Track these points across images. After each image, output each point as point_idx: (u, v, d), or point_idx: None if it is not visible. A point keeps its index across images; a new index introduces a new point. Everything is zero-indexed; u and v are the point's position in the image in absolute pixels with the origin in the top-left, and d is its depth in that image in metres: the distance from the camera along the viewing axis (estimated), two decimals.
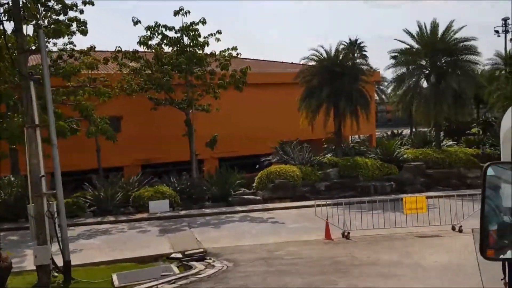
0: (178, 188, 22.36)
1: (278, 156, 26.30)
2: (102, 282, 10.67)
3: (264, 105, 31.76)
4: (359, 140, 28.16)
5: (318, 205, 15.08)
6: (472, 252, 11.10)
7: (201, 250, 13.32)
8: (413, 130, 41.24)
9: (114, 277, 10.65)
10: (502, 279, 1.98)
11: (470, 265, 9.87)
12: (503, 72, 36.31)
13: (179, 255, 13.03)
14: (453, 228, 14.79)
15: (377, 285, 8.33)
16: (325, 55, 26.20)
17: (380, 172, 25.32)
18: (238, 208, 21.05)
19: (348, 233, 14.23)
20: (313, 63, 26.29)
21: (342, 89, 25.30)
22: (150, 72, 24.37)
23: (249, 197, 22.75)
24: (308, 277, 9.11)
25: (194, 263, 11.90)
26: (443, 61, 27.46)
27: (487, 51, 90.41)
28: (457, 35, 26.80)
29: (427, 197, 22.41)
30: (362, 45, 49.36)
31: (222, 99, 29.18)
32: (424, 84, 28.18)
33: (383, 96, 54.43)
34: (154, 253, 13.30)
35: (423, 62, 28.00)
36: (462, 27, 26.71)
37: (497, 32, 46.31)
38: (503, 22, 45.67)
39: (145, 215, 20.01)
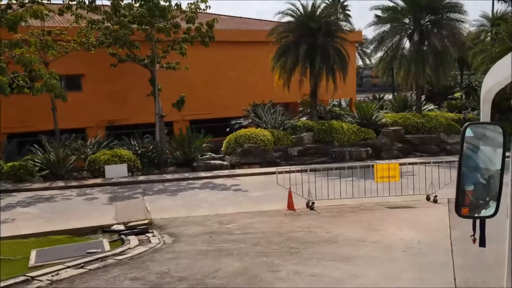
0: (139, 152, 20.73)
1: (250, 119, 24.71)
2: (21, 259, 9.17)
3: (239, 65, 29.87)
4: (335, 103, 26.58)
5: (280, 172, 13.62)
6: (444, 227, 9.84)
7: (147, 221, 11.86)
8: (395, 94, 39.86)
9: (33, 253, 9.15)
10: (471, 236, 1.99)
11: (440, 244, 8.60)
12: (489, 34, 34.84)
13: (121, 227, 11.55)
14: (428, 198, 13.55)
15: (325, 272, 6.96)
16: (301, 9, 24.20)
17: (357, 137, 23.97)
18: (202, 174, 19.57)
19: (313, 203, 12.89)
20: (289, 18, 24.32)
21: (318, 46, 23.52)
22: (109, 25, 22.18)
23: (216, 162, 21.25)
24: (249, 259, 7.72)
25: (132, 237, 10.44)
26: (427, 19, 25.71)
27: (473, 12, 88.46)
28: None
29: (403, 164, 21.29)
30: (345, 3, 46.94)
31: (193, 58, 27.19)
32: (407, 44, 26.49)
33: (367, 60, 52.70)
34: (94, 224, 11.81)
35: (406, 21, 26.21)
36: None
37: None
38: None
39: (99, 180, 18.42)
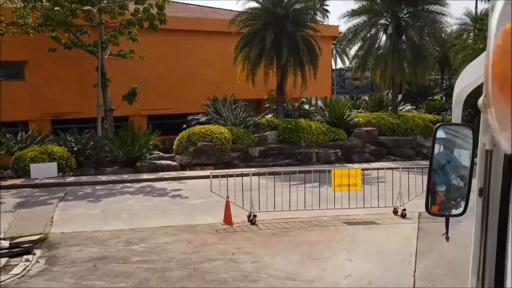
0: (75, 149, 18.08)
1: (209, 116, 22.24)
2: None
3: (203, 57, 27.38)
4: (304, 100, 24.33)
5: (215, 176, 11.19)
6: (409, 255, 7.55)
7: (38, 237, 9.30)
8: (371, 93, 37.82)
9: None
10: (443, 234, 2.06)
11: (401, 284, 6.28)
12: (471, 34, 33.01)
13: (5, 244, 8.99)
14: (395, 212, 11.30)
15: None
16: None
17: (326, 137, 21.72)
18: (144, 176, 17.04)
19: (255, 216, 10.51)
20: (253, 3, 21.92)
21: (286, 36, 21.18)
22: (48, 4, 19.48)
23: (163, 162, 18.73)
24: None
25: (4, 259, 7.90)
26: (405, 11, 23.61)
27: (456, 11, 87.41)
28: None
29: (374, 169, 19.14)
30: None
31: (151, 48, 24.64)
32: (383, 38, 24.34)
33: (347, 61, 50.67)
34: None
35: (383, 13, 24.06)
36: None
37: None
38: None
39: (19, 181, 15.75)
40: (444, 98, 31.53)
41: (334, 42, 41.53)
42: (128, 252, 7.97)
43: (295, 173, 13.30)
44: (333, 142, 21.74)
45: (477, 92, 1.68)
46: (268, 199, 10.93)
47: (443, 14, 23.15)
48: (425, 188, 8.35)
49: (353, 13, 24.05)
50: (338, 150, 21.33)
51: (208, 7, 34.74)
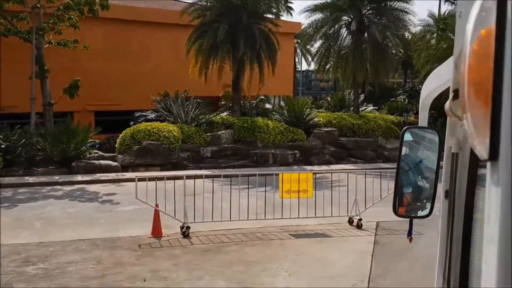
0: (2, 146, 16.06)
1: (158, 112, 20.57)
2: None
3: (157, 50, 25.68)
4: (263, 97, 23.04)
5: (141, 179, 9.66)
6: (363, 278, 6.26)
7: None
8: (332, 92, 36.96)
9: None
10: (408, 237, 2.20)
11: None
12: (435, 35, 32.62)
13: None
14: (350, 221, 10.09)
15: None
16: None
17: (284, 137, 20.46)
18: (79, 178, 15.25)
19: (188, 227, 9.02)
20: None
21: (242, 27, 19.78)
22: None
23: (103, 162, 16.95)
24: None
25: None
26: (368, 7, 22.67)
27: (419, 13, 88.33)
28: None
29: (333, 171, 18.03)
30: None
31: (99, 39, 22.84)
32: (346, 35, 23.31)
33: (310, 59, 49.66)
34: None
35: (345, 8, 23.04)
36: None
37: None
38: None
39: None
40: (407, 100, 30.91)
41: (298, 41, 40.52)
42: (16, 276, 6.34)
43: (247, 175, 11.92)
44: (292, 143, 20.51)
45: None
46: (209, 206, 9.48)
47: (407, 12, 22.37)
48: (383, 194, 9.95)
49: (315, 8, 22.93)
50: (296, 151, 20.10)
51: None
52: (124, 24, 24.54)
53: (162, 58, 25.23)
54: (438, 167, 1.68)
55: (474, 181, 1.29)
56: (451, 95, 1.16)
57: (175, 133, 18.25)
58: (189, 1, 21.81)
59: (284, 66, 31.39)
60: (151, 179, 9.55)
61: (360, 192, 10.39)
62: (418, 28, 34.64)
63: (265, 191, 10.26)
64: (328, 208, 9.97)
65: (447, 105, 1.19)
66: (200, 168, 18.06)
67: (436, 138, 1.71)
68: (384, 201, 10.50)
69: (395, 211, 1.81)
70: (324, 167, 19.66)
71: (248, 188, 10.60)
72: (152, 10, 25.56)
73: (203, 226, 9.30)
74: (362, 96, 26.75)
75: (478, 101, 0.53)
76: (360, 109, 25.22)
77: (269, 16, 21.44)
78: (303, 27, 24.76)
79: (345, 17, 22.84)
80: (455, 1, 38.98)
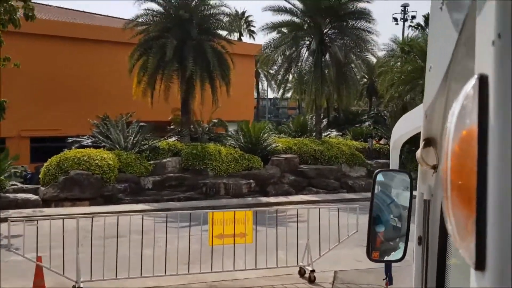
0: None
1: (96, 137, 18.13)
2: None
3: (104, 71, 23.36)
4: (215, 121, 20.97)
5: (12, 221, 7.29)
6: None
7: None
8: (293, 117, 35.32)
9: None
10: (384, 279, 2.16)
11: None
12: (399, 59, 31.69)
13: None
14: (301, 273, 7.94)
15: None
16: None
17: (238, 165, 18.35)
18: None
19: None
20: (151, 4, 18.40)
21: (192, 44, 17.82)
22: None
23: (20, 196, 14.32)
24: None
25: None
26: (329, 26, 21.21)
27: (382, 38, 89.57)
28: None
29: (289, 203, 16.02)
30: (250, 18, 42.23)
31: (38, 57, 20.40)
32: (306, 55, 21.71)
33: (275, 86, 48.28)
34: None
35: (305, 26, 21.52)
36: None
37: (395, 19, 42.43)
38: (402, 9, 41.90)
39: None
40: (372, 125, 29.51)
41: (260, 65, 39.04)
42: None
43: (189, 210, 9.65)
44: (247, 171, 18.41)
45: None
46: (130, 252, 7.18)
47: (370, 32, 20.99)
48: (344, 234, 8.48)
49: (273, 26, 21.29)
50: (251, 181, 17.98)
51: (113, 17, 30.80)
52: (65, 42, 22.24)
53: (107, 78, 22.92)
54: (411, 207, 1.69)
55: (446, 229, 1.07)
56: (421, 143, 1.20)
57: (110, 161, 15.85)
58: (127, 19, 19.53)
59: (244, 90, 29.68)
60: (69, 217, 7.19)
61: (318, 231, 8.30)
62: (382, 53, 33.78)
63: (204, 230, 8.03)
64: (274, 255, 7.81)
65: (418, 153, 1.24)
66: (138, 202, 15.70)
67: (408, 180, 1.73)
68: (344, 243, 8.49)
69: (369, 255, 1.80)
70: (281, 198, 17.63)
71: (189, 226, 8.30)
72: (94, 27, 23.37)
73: (108, 284, 6.97)
74: (325, 121, 25.14)
75: (461, 204, 0.50)
76: (323, 134, 23.50)
77: (222, 32, 19.57)
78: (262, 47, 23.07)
79: (305, 37, 21.26)
80: (418, 27, 38.68)
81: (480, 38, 0.51)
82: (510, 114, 0.45)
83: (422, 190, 1.41)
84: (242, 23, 41.00)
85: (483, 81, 0.48)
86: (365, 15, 20.67)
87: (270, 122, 24.44)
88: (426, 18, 31.40)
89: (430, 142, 1.18)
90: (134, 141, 17.51)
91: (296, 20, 21.23)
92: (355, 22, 20.99)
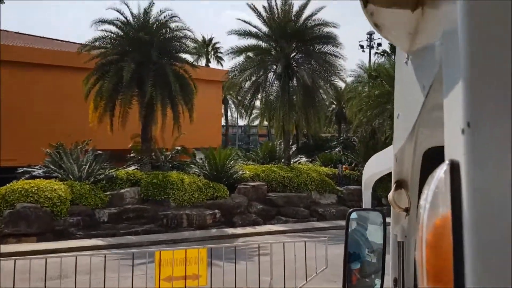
0: None
1: (47, 167, 16.81)
2: None
3: (65, 96, 22.11)
4: (178, 148, 19.99)
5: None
6: None
7: None
8: (261, 143, 34.68)
9: None
10: None
11: None
12: (366, 86, 31.74)
13: None
14: None
15: None
16: (130, 17, 17.60)
17: (202, 194, 17.34)
18: None
19: None
20: (109, 26, 17.53)
21: (152, 67, 16.98)
22: None
23: None
24: None
25: None
26: (295, 50, 20.82)
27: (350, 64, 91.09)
28: (315, 18, 20.39)
29: (256, 234, 15.11)
30: (217, 46, 41.81)
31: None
32: (272, 80, 21.16)
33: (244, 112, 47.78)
34: None
35: (272, 51, 21.06)
36: (321, 8, 20.40)
37: (362, 47, 42.98)
38: (368, 37, 42.51)
39: None
40: (341, 151, 29.09)
41: (231, 92, 38.50)
42: None
43: (147, 243, 8.54)
44: (212, 201, 17.40)
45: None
46: None
47: (336, 56, 20.68)
48: (312, 269, 8.79)
49: (238, 51, 20.73)
50: (217, 211, 16.96)
51: (73, 42, 29.73)
52: (23, 68, 21.03)
53: (66, 105, 21.71)
54: (385, 244, 1.70)
55: None
56: (393, 186, 1.22)
57: (61, 193, 14.60)
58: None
59: (211, 116, 28.89)
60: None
61: (283, 266, 7.39)
62: (350, 79, 33.85)
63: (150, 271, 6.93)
64: None
65: (390, 196, 1.24)
66: (91, 236, 14.42)
67: (381, 218, 1.74)
68: (310, 284, 7.61)
69: None
70: (249, 229, 16.65)
71: (146, 263, 7.20)
72: (51, 52, 22.23)
73: None
74: (293, 147, 24.52)
75: None
76: (292, 160, 22.80)
77: (186, 56, 18.81)
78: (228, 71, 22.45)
79: (271, 61, 20.74)
80: (384, 54, 39.17)
81: (448, 121, 0.50)
82: (482, 202, 0.44)
83: (396, 232, 1.41)
84: (210, 50, 40.53)
85: (454, 167, 0.47)
86: (331, 39, 20.39)
87: (239, 149, 23.57)
88: (392, 45, 31.62)
89: (401, 184, 1.19)
90: (89, 171, 16.30)
91: (262, 44, 20.75)
92: (322, 47, 20.67)
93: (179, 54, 18.26)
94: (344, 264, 1.75)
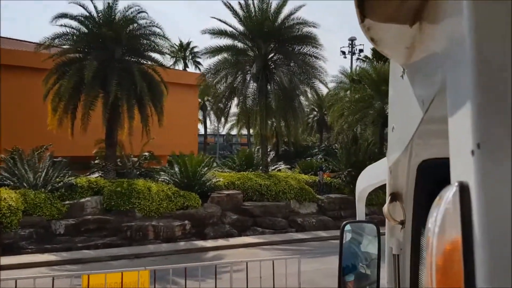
0: None
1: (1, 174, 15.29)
2: None
3: (27, 99, 20.61)
4: (146, 154, 18.65)
5: None
6: None
7: None
8: (238, 150, 33.45)
9: None
10: None
11: None
12: (348, 92, 30.91)
13: None
14: None
15: None
16: (94, 12, 16.26)
17: (172, 203, 16.02)
18: None
19: None
20: (69, 21, 16.14)
21: (117, 66, 15.67)
22: None
23: None
24: None
25: None
26: (274, 51, 19.75)
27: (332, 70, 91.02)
28: (294, 16, 19.37)
29: (229, 247, 13.88)
30: (196, 50, 40.45)
31: None
32: (248, 82, 20.00)
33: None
34: None
35: (250, 52, 19.95)
36: (300, 7, 19.39)
37: (343, 53, 42.23)
38: (350, 43, 41.77)
39: None
40: (323, 158, 28.05)
41: (209, 99, 37.22)
42: None
43: (106, 258, 7.15)
44: (182, 211, 16.08)
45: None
46: None
47: (316, 57, 19.66)
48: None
49: (213, 50, 19.55)
50: (186, 222, 15.64)
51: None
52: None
53: (24, 108, 20.19)
54: (379, 256, 1.70)
55: (416, 282, 1.28)
56: (388, 198, 1.21)
57: (11, 202, 13.14)
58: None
59: (186, 122, 27.59)
60: None
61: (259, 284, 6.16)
62: (332, 85, 33.01)
63: None
64: None
65: (385, 208, 1.24)
66: (44, 251, 12.95)
67: (375, 230, 1.75)
68: None
69: None
70: (221, 242, 15.36)
71: None
72: (7, 51, 20.62)
73: None
74: (272, 153, 23.35)
75: None
76: (271, 168, 21.62)
77: (156, 56, 17.52)
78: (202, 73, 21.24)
79: (248, 62, 19.60)
80: (366, 60, 38.52)
81: (455, 143, 0.49)
82: (494, 225, 0.43)
83: (391, 245, 1.42)
84: (188, 54, 39.22)
85: (464, 189, 0.46)
86: (311, 39, 19.38)
87: (214, 156, 22.25)
88: (374, 51, 30.93)
89: (396, 197, 1.17)
90: (47, 178, 14.84)
91: (239, 44, 19.63)
92: (301, 47, 19.65)
93: (148, 53, 16.96)
94: (339, 277, 1.75)
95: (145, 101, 16.38)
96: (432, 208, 0.53)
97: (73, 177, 15.38)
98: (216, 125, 51.22)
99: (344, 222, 1.81)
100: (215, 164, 21.69)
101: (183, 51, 38.64)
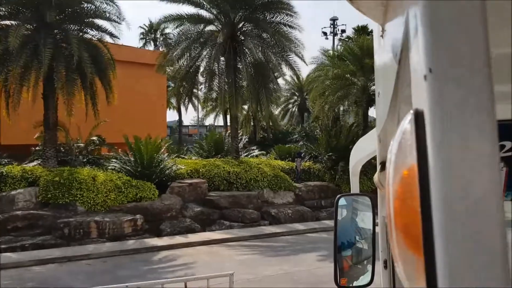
0: None
1: None
2: None
3: None
4: (95, 138, 16.22)
5: None
6: None
7: None
8: (206, 133, 30.99)
9: None
10: None
11: None
12: (329, 72, 28.73)
13: None
14: None
15: None
16: None
17: (122, 195, 13.64)
18: None
19: None
20: None
21: (50, 32, 13.14)
22: None
23: None
24: None
25: None
26: (243, 21, 17.37)
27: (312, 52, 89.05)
28: None
29: (186, 245, 11.71)
30: (167, 31, 37.59)
31: None
32: (214, 55, 17.58)
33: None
34: None
35: (216, 22, 17.52)
36: None
37: (325, 33, 39.97)
38: (331, 23, 39.51)
39: None
40: (302, 142, 25.85)
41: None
42: None
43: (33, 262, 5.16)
44: (134, 203, 13.72)
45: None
46: None
47: (292, 27, 17.34)
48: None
49: (174, 19, 17.09)
50: (138, 216, 13.28)
51: None
52: None
53: None
54: (374, 228, 1.69)
55: None
56: (378, 167, 1.20)
57: None
58: None
59: (152, 106, 25.13)
60: None
61: None
62: (312, 66, 30.80)
63: None
64: None
65: (375, 177, 1.24)
66: None
67: (369, 202, 1.74)
68: None
69: (337, 283, 1.74)
70: (179, 239, 13.05)
71: None
72: None
73: None
74: (245, 138, 21.08)
75: (408, 248, 0.50)
76: (243, 154, 19.35)
77: (104, 24, 14.95)
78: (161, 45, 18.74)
79: (214, 32, 17.18)
80: (348, 40, 36.39)
81: (414, 72, 0.50)
82: (446, 152, 0.44)
83: (384, 214, 1.41)
84: (158, 36, 36.45)
85: (418, 116, 0.47)
86: (284, 4, 17.05)
87: (166, 140, 19.74)
88: (356, 30, 28.75)
89: (386, 165, 1.04)
90: None
91: (203, 13, 17.19)
92: (274, 16, 17.29)
93: (92, 19, 14.43)
94: (335, 253, 1.73)
95: (88, 76, 13.84)
96: (391, 140, 0.52)
97: (1, 166, 12.87)
98: (198, 116, 48.60)
99: (338, 196, 1.80)
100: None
101: (154, 32, 35.92)
